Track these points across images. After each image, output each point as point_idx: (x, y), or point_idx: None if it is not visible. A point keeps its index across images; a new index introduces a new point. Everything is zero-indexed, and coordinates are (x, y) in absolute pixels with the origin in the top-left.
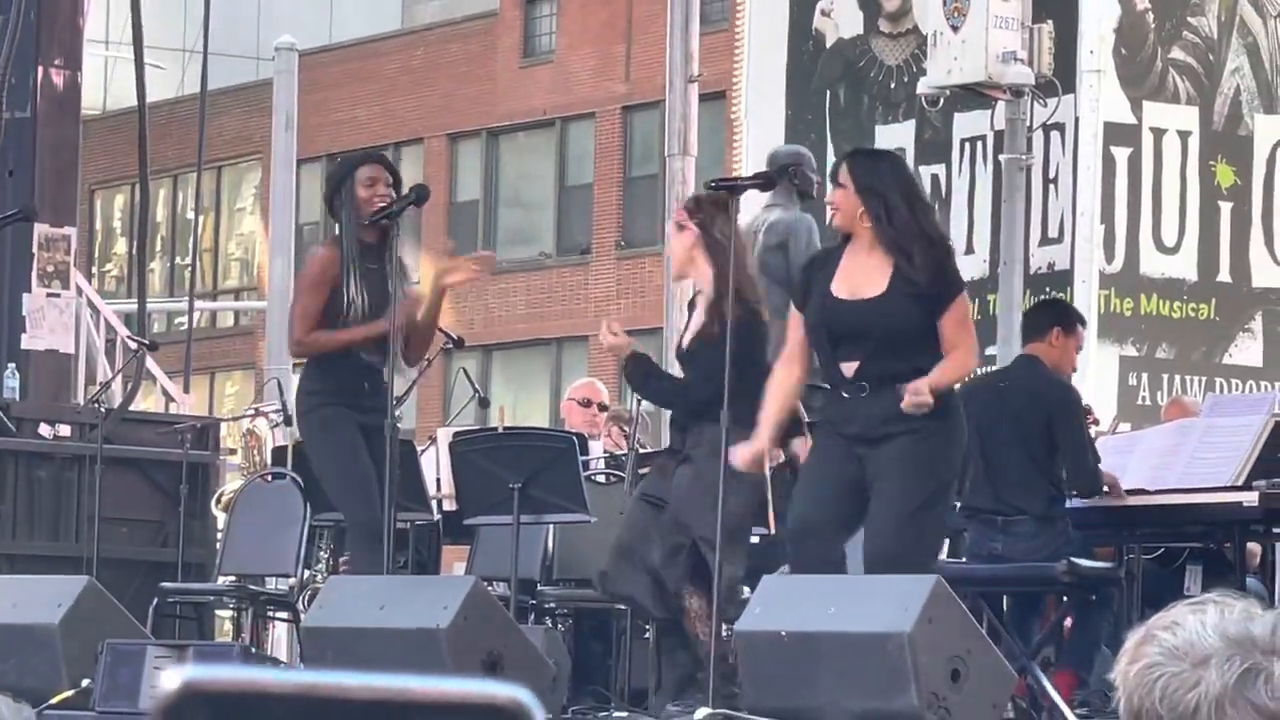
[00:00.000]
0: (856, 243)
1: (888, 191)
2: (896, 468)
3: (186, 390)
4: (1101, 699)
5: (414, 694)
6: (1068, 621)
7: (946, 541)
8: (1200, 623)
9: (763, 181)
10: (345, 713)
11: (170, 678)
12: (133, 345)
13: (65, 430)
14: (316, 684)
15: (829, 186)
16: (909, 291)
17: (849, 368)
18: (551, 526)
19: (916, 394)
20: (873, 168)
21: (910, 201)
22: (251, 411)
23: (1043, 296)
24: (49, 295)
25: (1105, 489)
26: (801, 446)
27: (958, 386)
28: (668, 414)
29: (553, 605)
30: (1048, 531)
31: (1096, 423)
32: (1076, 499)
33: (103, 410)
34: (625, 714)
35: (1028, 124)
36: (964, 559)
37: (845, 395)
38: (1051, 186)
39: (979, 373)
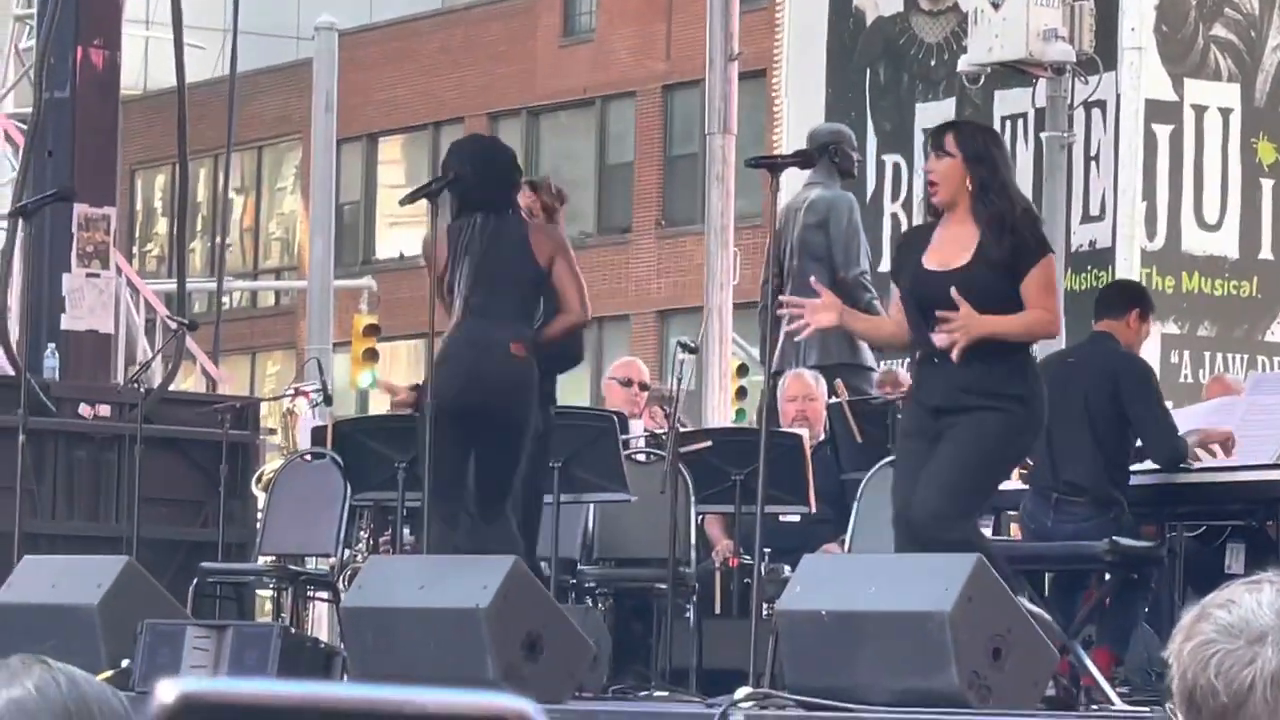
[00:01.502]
0: (953, 214)
1: (991, 163)
2: (965, 434)
3: (216, 364)
4: (1143, 677)
5: (415, 706)
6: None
7: (991, 519)
8: (1256, 601)
9: (803, 159)
10: None
11: (166, 690)
12: (172, 325)
13: (105, 410)
14: (316, 696)
15: (924, 155)
16: (992, 264)
17: (940, 339)
18: (591, 506)
19: (951, 328)
20: (978, 137)
21: (1008, 176)
22: (291, 391)
23: (1100, 275)
24: (88, 275)
25: (1190, 458)
26: None
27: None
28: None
29: (593, 585)
30: (1102, 515)
31: None
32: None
33: (142, 390)
34: (666, 694)
35: (1069, 101)
36: (1006, 536)
37: (935, 361)
38: (1093, 164)
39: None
